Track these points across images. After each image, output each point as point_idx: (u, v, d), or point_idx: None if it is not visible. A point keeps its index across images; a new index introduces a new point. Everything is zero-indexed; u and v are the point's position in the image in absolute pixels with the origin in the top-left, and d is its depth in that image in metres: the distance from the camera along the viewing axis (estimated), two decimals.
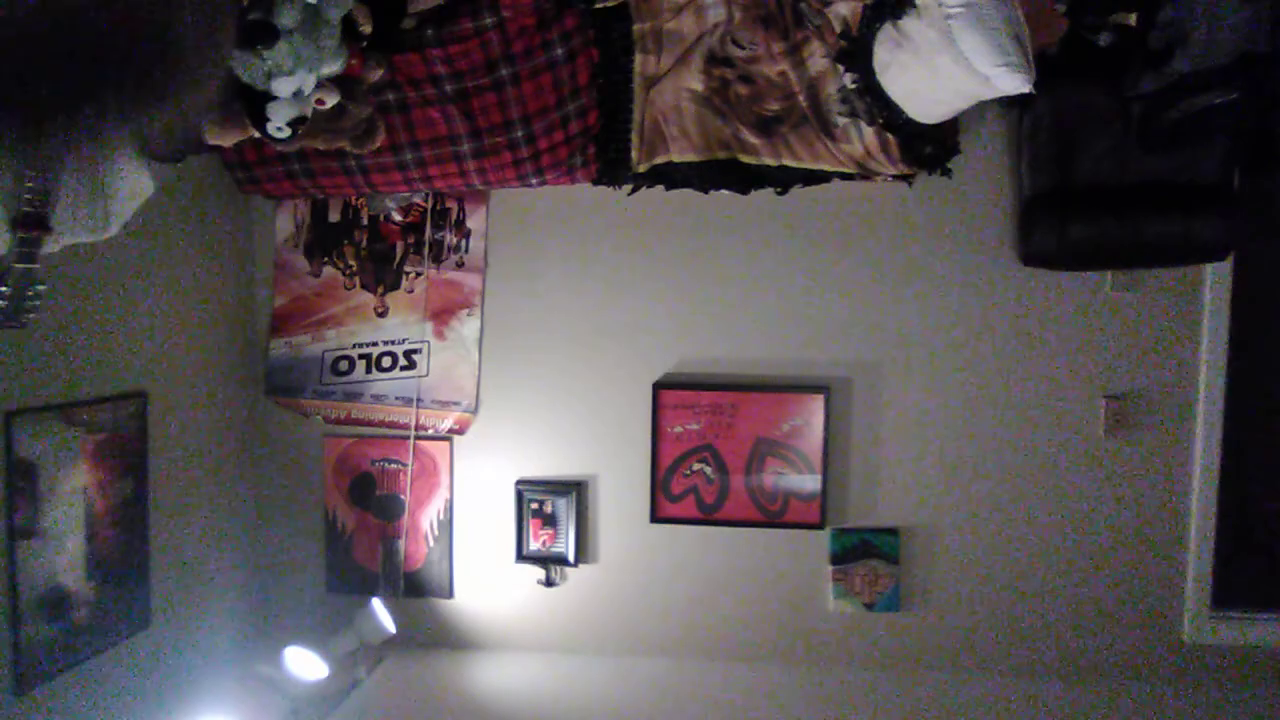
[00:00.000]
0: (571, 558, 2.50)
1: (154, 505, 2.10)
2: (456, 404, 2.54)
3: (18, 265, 1.14)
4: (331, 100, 1.72)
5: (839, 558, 2.45)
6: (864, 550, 2.44)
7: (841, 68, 2.10)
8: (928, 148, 2.20)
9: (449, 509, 2.57)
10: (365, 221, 2.55)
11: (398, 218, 2.54)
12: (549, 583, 2.53)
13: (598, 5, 2.07)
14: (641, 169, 2.30)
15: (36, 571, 1.73)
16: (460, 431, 2.55)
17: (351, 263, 2.56)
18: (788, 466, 2.43)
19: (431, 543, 2.57)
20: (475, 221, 2.53)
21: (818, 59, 2.12)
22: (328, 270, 2.57)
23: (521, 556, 2.52)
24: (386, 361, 2.56)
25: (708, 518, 2.47)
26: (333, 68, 1.67)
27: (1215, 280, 2.31)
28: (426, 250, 2.53)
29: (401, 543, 2.57)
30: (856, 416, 2.45)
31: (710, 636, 2.52)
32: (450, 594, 2.57)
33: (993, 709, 2.28)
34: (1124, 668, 2.41)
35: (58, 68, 0.68)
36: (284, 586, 2.64)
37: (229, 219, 2.47)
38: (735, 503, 2.45)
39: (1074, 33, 2.07)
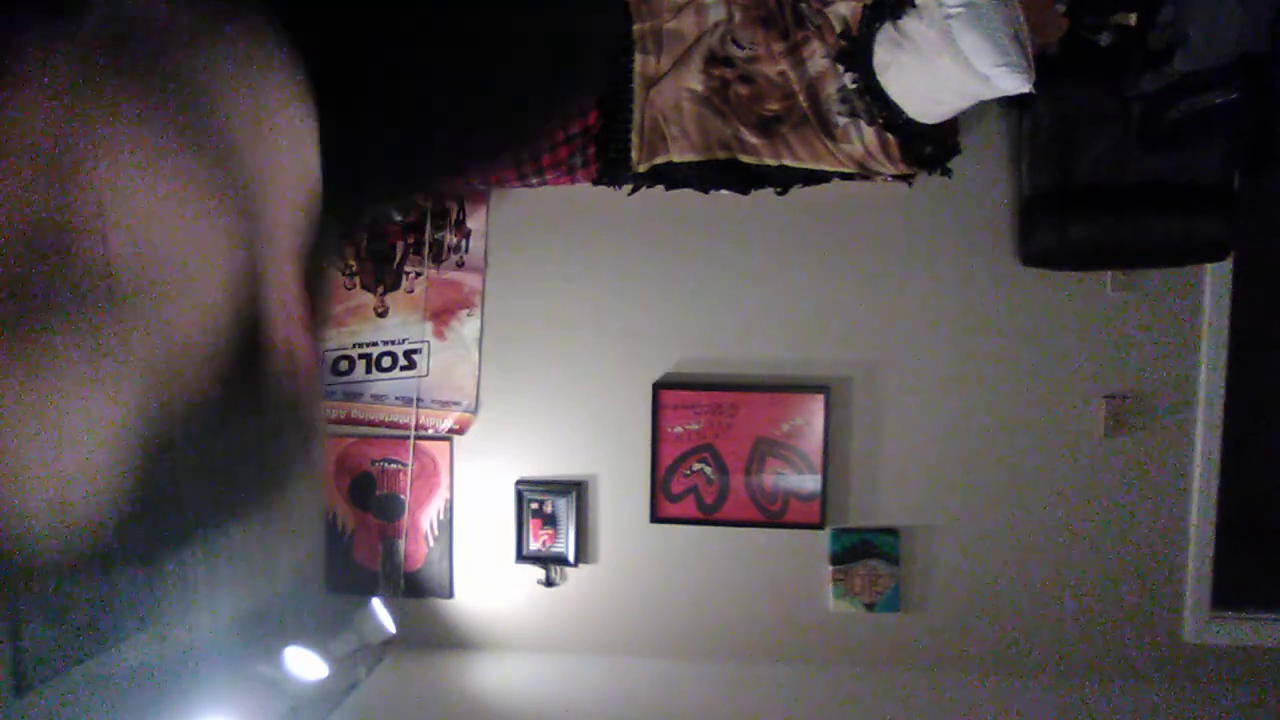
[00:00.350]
0: (571, 558, 2.50)
1: None
2: (456, 404, 2.54)
3: None
4: None
5: (839, 558, 2.45)
6: (864, 550, 2.44)
7: (841, 68, 2.11)
8: (928, 148, 2.20)
9: (449, 509, 2.57)
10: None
11: (398, 218, 2.54)
12: (549, 583, 2.53)
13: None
14: (641, 169, 2.30)
15: None
16: (460, 431, 2.55)
17: (351, 263, 2.56)
18: (788, 466, 2.43)
19: (431, 543, 2.57)
20: (475, 221, 2.53)
21: (818, 59, 2.13)
22: None
23: (521, 556, 2.52)
24: (386, 361, 2.56)
25: (708, 518, 2.47)
26: None
27: (1215, 280, 2.32)
28: (426, 250, 2.53)
29: (401, 543, 2.57)
30: (856, 416, 2.44)
31: (710, 636, 2.52)
32: (450, 594, 2.57)
33: (993, 709, 2.28)
34: (1124, 668, 2.41)
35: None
36: (284, 586, 2.63)
37: None
38: (735, 503, 2.45)
39: (1074, 33, 2.07)
